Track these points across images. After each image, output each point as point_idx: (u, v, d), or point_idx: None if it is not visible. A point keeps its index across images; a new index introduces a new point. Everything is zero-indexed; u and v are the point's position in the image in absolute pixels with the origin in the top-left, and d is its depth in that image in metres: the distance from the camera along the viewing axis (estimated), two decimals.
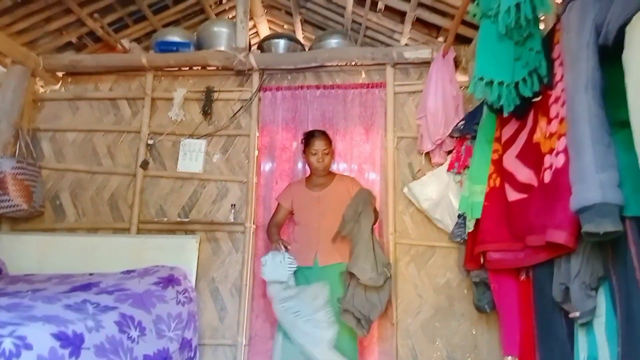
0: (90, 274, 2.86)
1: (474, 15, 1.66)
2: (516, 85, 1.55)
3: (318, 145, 2.88)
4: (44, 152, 3.67)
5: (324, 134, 2.96)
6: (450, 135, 2.85)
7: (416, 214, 3.27)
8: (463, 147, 2.74)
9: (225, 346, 3.26)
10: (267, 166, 3.50)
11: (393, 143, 3.37)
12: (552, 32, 1.71)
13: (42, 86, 3.76)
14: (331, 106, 3.49)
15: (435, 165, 3.16)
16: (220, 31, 3.60)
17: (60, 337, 1.59)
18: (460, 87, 3.19)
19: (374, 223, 2.84)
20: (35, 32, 3.41)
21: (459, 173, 2.79)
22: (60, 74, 3.74)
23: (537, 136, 1.79)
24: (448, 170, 2.85)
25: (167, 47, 3.57)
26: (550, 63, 1.68)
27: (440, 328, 3.14)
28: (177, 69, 3.66)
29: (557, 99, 1.62)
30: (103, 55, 3.62)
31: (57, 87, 3.77)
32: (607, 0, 1.29)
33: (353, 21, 3.61)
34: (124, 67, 3.64)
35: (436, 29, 3.37)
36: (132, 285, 2.56)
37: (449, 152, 3.04)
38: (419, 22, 3.29)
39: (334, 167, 3.31)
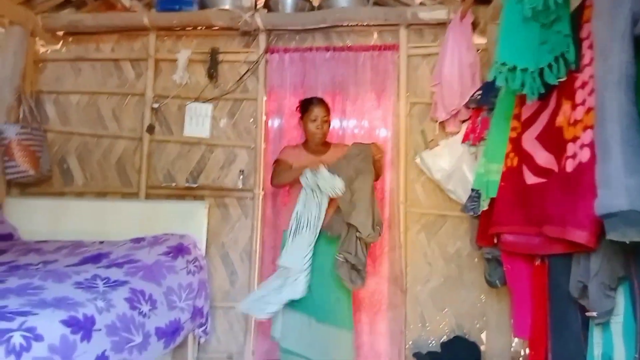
0: (101, 242, 2.88)
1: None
2: (541, 71, 1.44)
3: (317, 112, 2.76)
4: (48, 115, 3.62)
5: (322, 102, 2.84)
6: (466, 106, 2.73)
7: (428, 182, 3.21)
8: (479, 118, 2.63)
9: (236, 309, 3.32)
10: (275, 132, 3.41)
11: (406, 109, 3.26)
12: (581, 8, 1.56)
13: (42, 46, 3.64)
14: (341, 69, 3.35)
15: (449, 134, 3.06)
16: None
17: (70, 322, 1.60)
18: (478, 50, 3.03)
19: (377, 179, 2.69)
20: None
21: (474, 145, 2.69)
22: (60, 34, 3.61)
23: (560, 120, 1.69)
24: (463, 141, 2.76)
25: (169, 6, 3.40)
26: (578, 43, 1.56)
27: (449, 296, 3.16)
28: (180, 28, 3.50)
29: (584, 84, 1.51)
30: (103, 14, 3.47)
31: (58, 47, 3.65)
32: None
33: None
34: (126, 27, 3.49)
35: None
36: (142, 255, 2.57)
37: (464, 121, 2.94)
38: None
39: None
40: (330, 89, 3.32)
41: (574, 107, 1.58)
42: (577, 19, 1.58)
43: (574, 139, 1.56)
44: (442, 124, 3.09)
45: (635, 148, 1.17)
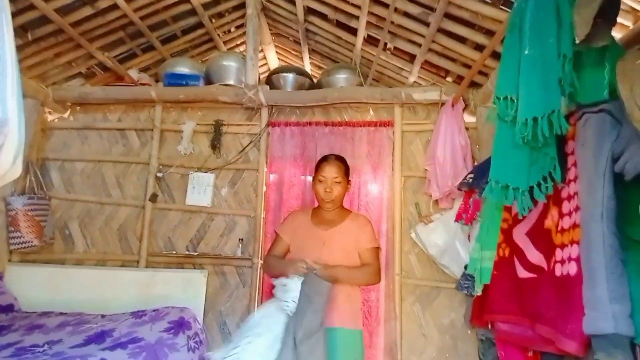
0: (103, 316, 2.92)
1: (488, 118, 1.69)
2: (530, 189, 1.59)
3: (328, 172, 2.42)
4: (53, 182, 3.71)
5: (338, 160, 2.50)
6: (459, 188, 2.88)
7: (422, 253, 3.32)
8: (471, 199, 2.78)
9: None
10: (275, 201, 3.53)
11: (400, 182, 3.41)
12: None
13: (49, 113, 3.77)
14: (339, 143, 3.51)
15: (441, 209, 3.21)
16: (229, 65, 3.60)
17: None
18: (468, 129, 3.22)
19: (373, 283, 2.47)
20: (45, 65, 3.41)
21: (467, 224, 2.83)
22: (69, 103, 3.75)
23: (549, 223, 1.83)
24: (456, 220, 2.89)
25: (176, 81, 3.58)
26: (564, 157, 1.72)
27: None
28: (186, 102, 3.66)
29: (569, 197, 1.66)
30: (112, 87, 3.63)
31: (66, 115, 3.79)
32: (624, 130, 1.32)
33: (362, 56, 3.62)
34: (134, 100, 3.65)
35: (445, 69, 3.38)
36: (144, 333, 2.61)
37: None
38: (428, 63, 3.30)
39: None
40: None
41: (561, 215, 1.73)
42: (563, 135, 1.75)
43: (562, 246, 1.70)
44: (436, 200, 3.23)
45: (618, 276, 1.31)
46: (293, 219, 2.59)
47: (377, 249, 2.49)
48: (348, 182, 2.52)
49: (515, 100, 1.54)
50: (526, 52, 1.51)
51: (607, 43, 1.45)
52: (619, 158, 1.34)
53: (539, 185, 1.58)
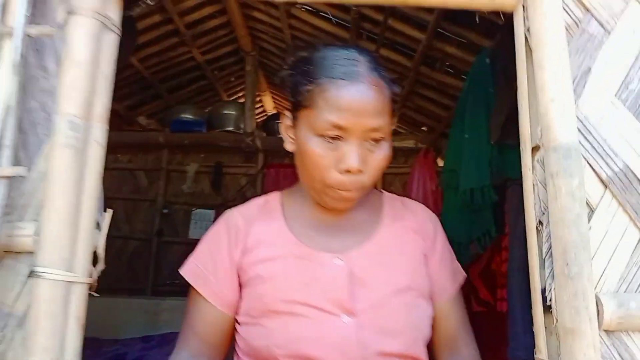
0: (115, 341, 3.28)
1: (439, 185, 2.10)
2: (472, 241, 1.99)
3: (357, 111, 0.73)
4: None
5: (379, 76, 0.78)
6: None
7: None
8: None
9: None
10: None
11: None
12: (503, 186, 2.16)
13: None
14: None
15: None
16: (229, 113, 4.03)
17: None
18: (438, 173, 3.64)
19: None
20: None
21: None
22: None
23: (494, 266, 2.24)
24: None
25: (182, 127, 4.00)
26: (503, 213, 2.13)
27: None
28: (190, 146, 4.07)
29: (505, 248, 2.07)
30: (125, 133, 4.04)
31: None
32: None
33: None
34: (143, 143, 4.06)
35: (421, 121, 3.82)
36: (154, 356, 2.97)
37: None
38: (406, 115, 3.73)
39: None
40: None
41: (502, 262, 2.14)
42: (502, 193, 2.17)
43: (502, 286, 2.10)
44: None
45: (529, 315, 1.70)
46: (238, 233, 0.86)
47: None
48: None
49: (458, 173, 1.96)
50: (466, 135, 1.94)
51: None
52: None
53: (478, 240, 1.98)
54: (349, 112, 0.70)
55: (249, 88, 3.91)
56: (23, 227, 0.70)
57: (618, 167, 0.78)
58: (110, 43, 0.76)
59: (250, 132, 3.88)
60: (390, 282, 0.77)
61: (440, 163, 3.72)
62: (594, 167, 0.78)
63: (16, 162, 0.69)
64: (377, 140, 0.73)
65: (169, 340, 3.27)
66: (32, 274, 0.69)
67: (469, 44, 2.47)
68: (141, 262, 3.97)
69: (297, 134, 0.77)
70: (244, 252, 0.81)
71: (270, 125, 4.15)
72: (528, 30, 0.82)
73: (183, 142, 3.99)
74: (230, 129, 4.01)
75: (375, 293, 0.76)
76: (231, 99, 4.69)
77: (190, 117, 4.08)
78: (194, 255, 0.86)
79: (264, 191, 4.01)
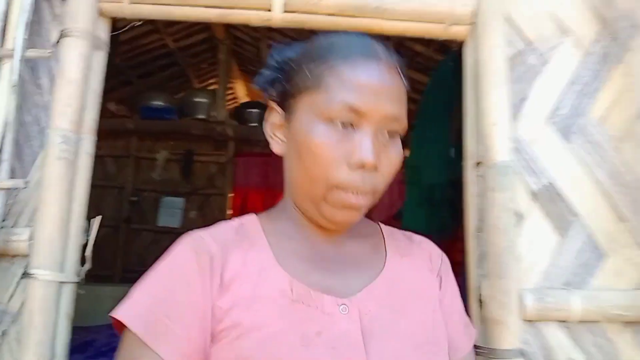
0: (81, 328, 3.30)
1: (402, 182, 2.23)
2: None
3: (375, 88, 0.58)
4: None
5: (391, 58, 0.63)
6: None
7: None
8: None
9: None
10: None
11: None
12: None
13: None
14: None
15: None
16: (201, 101, 4.05)
17: None
18: None
19: None
20: None
21: None
22: None
23: (452, 254, 2.40)
24: None
25: (152, 114, 3.99)
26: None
27: None
28: (160, 133, 4.08)
29: (462, 239, 2.23)
30: None
31: None
32: None
33: None
34: (113, 130, 4.03)
35: None
36: None
37: None
38: None
39: None
40: None
41: (457, 251, 2.30)
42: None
43: (457, 275, 2.26)
44: None
45: None
46: (213, 263, 0.60)
47: None
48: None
49: (420, 169, 2.09)
50: (427, 133, 2.06)
51: None
52: None
53: (438, 232, 2.13)
54: (367, 92, 0.57)
55: (221, 76, 3.93)
56: (18, 233, 0.76)
57: (545, 182, 0.91)
58: (100, 61, 0.83)
59: (221, 120, 3.92)
60: (407, 334, 0.60)
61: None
62: (526, 182, 0.91)
63: (11, 172, 0.75)
64: (392, 135, 0.59)
65: None
66: (25, 275, 0.76)
67: (439, 43, 2.59)
68: (109, 250, 3.97)
69: (293, 127, 0.61)
70: (220, 291, 0.57)
71: (241, 113, 4.19)
72: (476, 60, 0.93)
73: (153, 129, 3.99)
74: (202, 116, 4.03)
75: (391, 351, 0.58)
76: (202, 85, 4.69)
77: (161, 104, 4.07)
78: (144, 292, 0.61)
79: (235, 180, 4.08)
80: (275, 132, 0.66)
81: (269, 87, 0.66)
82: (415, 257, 0.69)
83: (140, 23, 0.87)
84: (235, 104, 4.80)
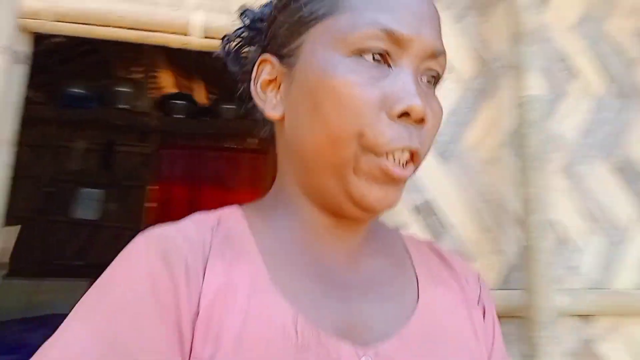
0: None
1: None
2: None
3: (418, 19, 0.44)
4: None
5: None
6: None
7: None
8: None
9: None
10: (161, 218, 3.96)
11: None
12: None
13: None
14: (224, 167, 4.05)
15: None
16: (124, 91, 3.95)
17: None
18: None
19: None
20: None
21: None
22: None
23: None
24: None
25: (71, 102, 3.84)
26: None
27: None
28: (81, 122, 3.93)
29: None
30: None
31: None
32: None
33: None
34: (30, 118, 3.82)
35: None
36: (33, 338, 2.92)
37: None
38: None
39: None
40: (215, 183, 3.99)
41: None
42: None
43: None
44: None
45: None
46: (189, 274, 0.41)
47: None
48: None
49: None
50: None
51: None
52: None
53: None
54: (407, 14, 0.42)
55: (147, 65, 3.85)
56: None
57: (426, 198, 1.07)
58: (20, 74, 0.87)
59: (145, 110, 3.86)
60: None
61: None
62: (410, 198, 1.07)
63: None
64: (431, 82, 0.47)
65: (49, 322, 3.21)
66: None
67: None
68: (22, 242, 3.79)
69: (300, 73, 0.45)
70: (198, 325, 0.39)
71: (167, 104, 4.13)
72: None
73: (72, 118, 3.84)
74: (125, 106, 3.94)
75: None
76: (126, 74, 4.55)
77: (82, 91, 3.93)
78: (88, 333, 0.38)
79: (159, 173, 4.03)
80: (267, 90, 0.49)
81: (254, 37, 0.53)
82: (450, 283, 0.52)
83: (64, 39, 0.91)
84: (161, 95, 4.70)
